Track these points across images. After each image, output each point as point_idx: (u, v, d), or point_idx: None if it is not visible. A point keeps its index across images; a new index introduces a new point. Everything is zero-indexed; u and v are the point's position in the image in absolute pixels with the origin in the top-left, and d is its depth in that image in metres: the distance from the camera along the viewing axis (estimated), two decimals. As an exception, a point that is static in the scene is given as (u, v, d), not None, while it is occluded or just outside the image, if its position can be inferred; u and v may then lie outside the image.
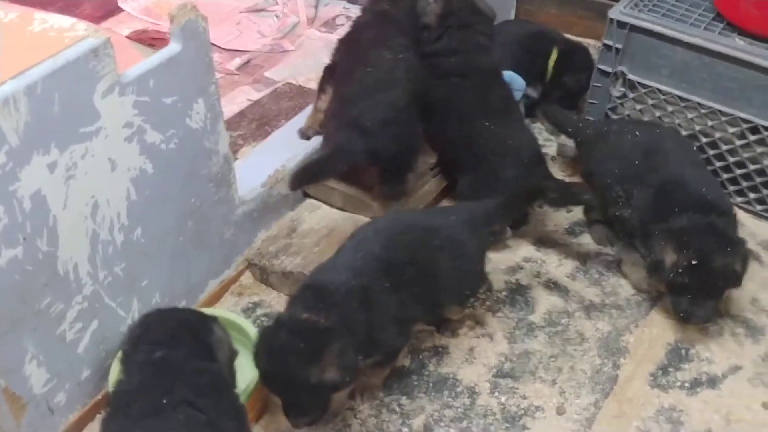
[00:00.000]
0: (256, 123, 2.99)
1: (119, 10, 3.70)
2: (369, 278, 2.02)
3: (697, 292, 2.27)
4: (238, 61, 3.42)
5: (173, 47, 2.00)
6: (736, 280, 2.29)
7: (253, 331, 2.15)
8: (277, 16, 3.70)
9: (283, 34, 3.61)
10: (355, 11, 3.67)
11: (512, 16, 3.56)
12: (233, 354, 1.96)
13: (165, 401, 1.69)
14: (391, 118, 2.43)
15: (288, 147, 2.70)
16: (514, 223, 2.61)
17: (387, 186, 2.57)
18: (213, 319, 1.96)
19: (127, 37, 3.46)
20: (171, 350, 1.81)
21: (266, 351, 1.91)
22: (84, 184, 1.87)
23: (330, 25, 3.67)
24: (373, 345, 2.01)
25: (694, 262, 2.23)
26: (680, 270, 2.24)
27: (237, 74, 3.37)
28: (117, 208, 1.99)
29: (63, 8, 3.68)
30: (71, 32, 1.79)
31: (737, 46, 2.60)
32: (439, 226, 2.20)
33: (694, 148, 2.66)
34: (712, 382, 2.23)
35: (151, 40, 3.42)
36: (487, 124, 2.59)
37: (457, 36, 2.65)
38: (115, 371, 2.05)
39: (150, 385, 1.75)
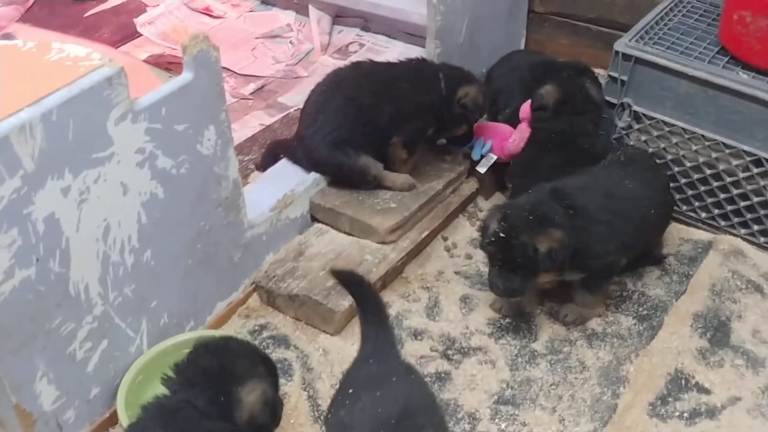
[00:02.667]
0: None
1: (137, 34, 3.80)
2: None
3: (498, 263, 2.33)
4: (252, 86, 3.49)
5: (185, 76, 2.06)
6: (540, 260, 2.28)
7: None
8: (291, 42, 3.77)
9: (297, 60, 3.68)
10: (369, 38, 3.76)
11: (522, 46, 3.61)
12: (266, 410, 1.90)
13: None
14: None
15: (298, 172, 2.75)
16: None
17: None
18: (254, 371, 1.92)
19: (145, 60, 3.55)
20: (190, 397, 1.84)
21: None
22: (96, 208, 1.93)
23: (343, 52, 3.73)
24: None
25: (502, 235, 2.29)
26: (492, 239, 2.32)
27: (251, 99, 3.43)
28: (128, 230, 2.04)
29: (82, 32, 3.77)
30: (86, 61, 1.85)
31: (740, 79, 2.63)
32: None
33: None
34: (711, 412, 2.24)
35: (168, 64, 3.50)
36: None
37: (568, 120, 2.77)
38: (123, 392, 2.11)
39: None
